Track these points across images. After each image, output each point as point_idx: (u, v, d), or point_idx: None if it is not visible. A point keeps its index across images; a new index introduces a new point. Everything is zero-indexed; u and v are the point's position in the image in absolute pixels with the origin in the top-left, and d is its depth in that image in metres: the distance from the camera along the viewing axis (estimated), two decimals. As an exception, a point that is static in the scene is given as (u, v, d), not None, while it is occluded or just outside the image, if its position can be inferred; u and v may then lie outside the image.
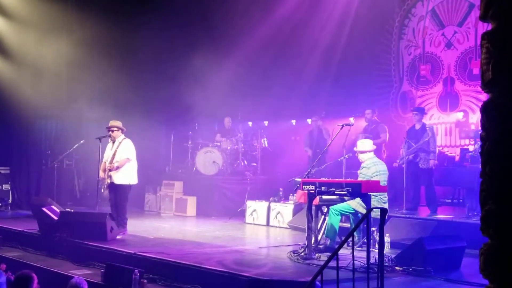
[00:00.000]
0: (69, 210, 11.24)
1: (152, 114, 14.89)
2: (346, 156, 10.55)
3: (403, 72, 13.80)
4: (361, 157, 8.83)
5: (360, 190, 7.55)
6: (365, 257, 5.78)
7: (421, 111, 11.05)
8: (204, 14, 15.06)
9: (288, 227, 11.26)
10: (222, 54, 14.60)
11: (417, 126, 10.77)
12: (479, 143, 3.03)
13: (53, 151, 14.82)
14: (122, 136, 10.10)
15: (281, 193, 12.25)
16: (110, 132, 10.04)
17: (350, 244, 6.64)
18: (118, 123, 10.11)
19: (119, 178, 9.88)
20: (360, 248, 8.14)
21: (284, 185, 11.99)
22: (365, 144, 8.92)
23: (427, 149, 10.44)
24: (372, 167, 8.60)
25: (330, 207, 8.40)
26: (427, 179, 10.56)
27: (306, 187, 7.86)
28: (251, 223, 12.02)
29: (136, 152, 10.21)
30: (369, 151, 8.83)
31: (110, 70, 13.96)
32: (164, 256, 7.82)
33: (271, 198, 12.17)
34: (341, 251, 4.97)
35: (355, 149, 9.17)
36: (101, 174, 10.00)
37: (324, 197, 8.19)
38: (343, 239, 5.85)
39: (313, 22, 14.16)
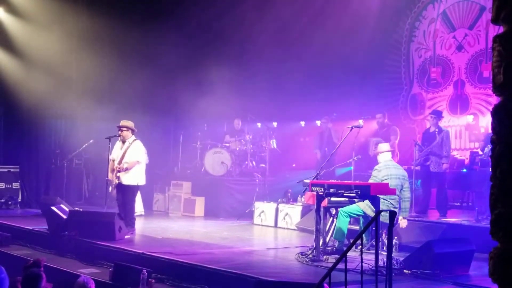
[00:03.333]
0: (78, 209, 11.29)
1: (162, 114, 14.93)
2: (355, 158, 10.52)
3: (413, 74, 13.76)
4: (378, 158, 8.90)
5: (369, 193, 7.53)
6: (374, 259, 5.76)
7: (439, 115, 10.98)
8: (214, 17, 15.06)
9: (296, 228, 11.25)
10: (231, 56, 14.63)
11: (432, 129, 10.71)
12: (489, 146, 3.02)
13: (62, 150, 14.88)
14: (133, 137, 10.07)
15: (289, 194, 12.24)
16: (120, 132, 10.01)
17: (359, 247, 6.63)
18: (129, 123, 10.08)
19: (127, 178, 9.88)
20: (368, 251, 8.12)
21: (293, 186, 11.98)
22: (382, 146, 9.03)
23: (439, 153, 10.39)
24: (384, 170, 8.58)
25: (339, 209, 8.38)
26: (439, 183, 10.51)
27: (315, 188, 7.86)
28: (259, 224, 12.01)
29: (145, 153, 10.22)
30: (386, 152, 8.87)
31: (121, 70, 14.02)
32: (172, 256, 7.83)
33: (279, 199, 12.16)
34: (349, 253, 4.96)
35: (371, 153, 9.25)
36: (110, 174, 10.01)
37: (333, 199, 8.20)
38: (351, 241, 5.84)
39: (323, 25, 14.13)
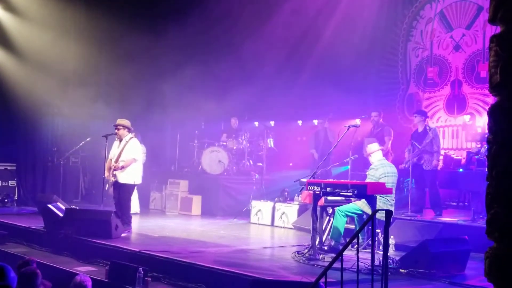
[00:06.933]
0: (75, 207, 11.27)
1: (159, 112, 14.92)
2: (352, 157, 10.54)
3: (410, 74, 13.77)
4: (370, 159, 8.92)
5: (365, 192, 7.54)
6: (370, 258, 5.77)
7: (422, 114, 11.00)
8: (213, 17, 15.04)
9: (292, 227, 11.25)
10: (229, 55, 14.62)
11: (420, 129, 10.76)
12: (486, 146, 3.02)
13: (59, 148, 14.86)
14: (129, 135, 10.10)
15: (286, 193, 12.24)
16: (116, 130, 10.04)
17: (355, 246, 6.63)
18: (126, 122, 10.11)
19: (123, 177, 9.90)
20: (364, 250, 8.15)
21: (290, 185, 11.98)
22: (372, 146, 9.01)
23: (430, 150, 10.43)
24: (380, 169, 8.63)
25: (336, 208, 8.40)
26: (431, 181, 10.54)
27: (312, 187, 7.86)
28: (255, 223, 12.01)
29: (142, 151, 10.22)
30: (377, 151, 8.89)
31: (118, 69, 14.01)
32: (168, 254, 7.82)
33: (276, 198, 12.16)
34: (345, 252, 4.97)
35: (365, 154, 9.27)
36: (107, 172, 10.02)
37: (330, 198, 8.21)
38: (347, 240, 5.84)
39: (320, 24, 14.14)
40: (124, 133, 10.05)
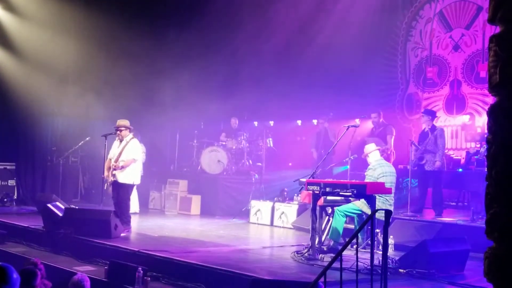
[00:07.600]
0: (74, 206, 11.27)
1: (158, 112, 14.92)
2: (352, 157, 10.54)
3: (409, 74, 13.76)
4: (368, 159, 8.93)
5: (365, 192, 7.55)
6: (369, 258, 5.77)
7: (429, 113, 10.94)
8: (212, 16, 15.05)
9: (292, 227, 11.26)
10: (228, 55, 14.61)
11: (426, 129, 10.71)
12: (485, 146, 3.02)
13: (58, 148, 14.86)
14: (130, 135, 10.09)
15: (285, 193, 12.24)
16: (119, 132, 10.03)
17: (354, 246, 6.64)
18: (126, 122, 10.10)
19: (122, 177, 9.89)
20: (363, 250, 8.15)
21: (289, 185, 11.99)
22: (369, 146, 9.02)
23: (433, 150, 10.39)
24: (378, 169, 8.63)
25: (335, 208, 8.40)
26: (435, 182, 10.50)
27: (311, 187, 7.86)
28: (255, 223, 12.01)
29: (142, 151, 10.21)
30: (374, 151, 8.90)
31: (117, 68, 14.00)
32: (167, 254, 7.82)
33: (275, 198, 12.17)
34: (344, 252, 4.97)
35: (363, 155, 9.28)
36: (106, 172, 10.02)
37: (329, 198, 8.21)
38: (347, 240, 5.85)
39: (320, 24, 14.14)
40: (126, 133, 10.05)
